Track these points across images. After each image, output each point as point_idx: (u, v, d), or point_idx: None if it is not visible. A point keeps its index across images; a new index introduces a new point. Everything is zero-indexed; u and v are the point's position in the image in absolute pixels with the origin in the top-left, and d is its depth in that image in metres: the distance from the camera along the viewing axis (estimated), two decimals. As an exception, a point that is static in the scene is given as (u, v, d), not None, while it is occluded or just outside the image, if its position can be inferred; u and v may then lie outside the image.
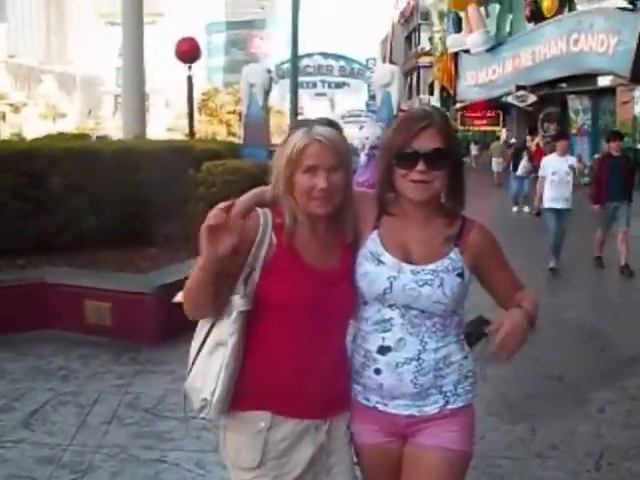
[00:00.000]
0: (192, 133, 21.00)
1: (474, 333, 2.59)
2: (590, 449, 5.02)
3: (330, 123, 2.54)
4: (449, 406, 2.59)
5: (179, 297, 2.63)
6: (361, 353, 2.61)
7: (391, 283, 2.51)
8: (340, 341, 2.68)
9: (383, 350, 2.54)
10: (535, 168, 19.93)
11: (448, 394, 2.59)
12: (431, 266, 2.52)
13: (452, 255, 2.55)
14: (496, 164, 31.91)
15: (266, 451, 2.53)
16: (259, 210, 2.53)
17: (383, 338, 2.55)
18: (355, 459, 2.75)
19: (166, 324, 6.83)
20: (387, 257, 2.55)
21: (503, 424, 5.42)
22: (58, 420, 5.35)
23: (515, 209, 21.12)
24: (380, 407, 2.61)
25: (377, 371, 2.56)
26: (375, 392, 2.60)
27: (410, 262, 2.54)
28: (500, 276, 2.67)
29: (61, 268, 7.98)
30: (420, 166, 2.46)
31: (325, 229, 2.58)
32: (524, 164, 20.97)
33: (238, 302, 2.48)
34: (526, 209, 20.01)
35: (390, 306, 2.54)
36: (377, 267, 2.54)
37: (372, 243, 2.59)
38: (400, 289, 2.50)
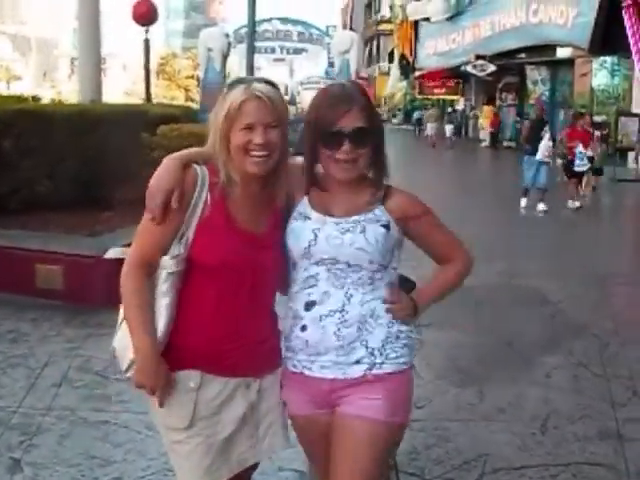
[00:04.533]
0: (149, 98, 20.71)
1: None
2: (536, 413, 5.11)
3: (268, 82, 2.53)
4: (374, 371, 2.56)
5: (111, 253, 2.61)
6: (290, 315, 2.65)
7: (315, 235, 2.55)
8: (268, 302, 2.70)
9: (309, 305, 2.58)
10: (570, 154, 15.93)
11: (375, 352, 2.57)
12: (354, 217, 2.58)
13: (376, 211, 2.59)
14: (430, 128, 39.04)
15: (196, 411, 2.54)
16: (197, 167, 2.51)
17: (309, 294, 2.59)
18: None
19: (118, 288, 6.78)
20: (313, 213, 2.60)
21: (452, 388, 5.49)
22: (7, 383, 5.32)
23: (524, 203, 15.73)
24: (306, 372, 2.61)
25: (303, 328, 2.59)
26: (302, 352, 2.61)
27: (334, 216, 2.59)
28: (429, 239, 2.72)
29: (13, 231, 7.89)
30: (345, 146, 2.50)
31: (259, 191, 2.56)
32: (547, 144, 15.69)
33: (168, 262, 2.47)
34: (541, 207, 15.28)
35: (316, 263, 2.57)
36: (303, 223, 2.59)
37: (301, 206, 2.64)
38: (324, 239, 2.55)
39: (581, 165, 15.78)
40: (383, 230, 2.56)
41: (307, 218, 2.60)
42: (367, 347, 2.57)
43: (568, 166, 16.08)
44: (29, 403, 4.97)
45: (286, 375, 2.70)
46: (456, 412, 5.10)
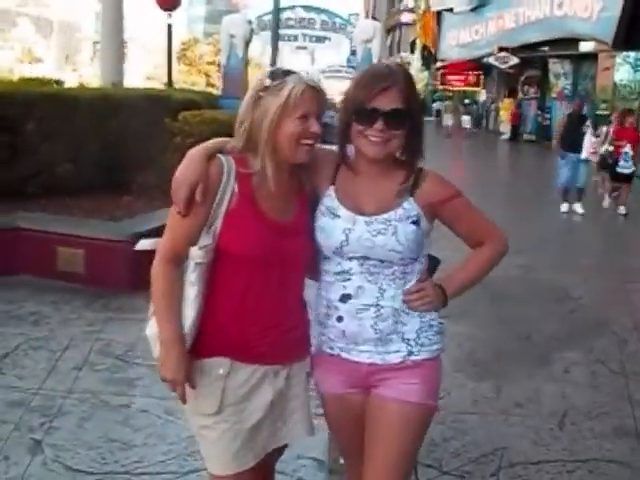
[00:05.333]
0: (170, 82, 20.75)
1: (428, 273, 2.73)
2: (554, 408, 5.11)
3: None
4: (412, 357, 2.61)
5: (141, 245, 2.62)
6: (324, 303, 2.66)
7: (347, 235, 2.55)
8: (298, 290, 2.71)
9: (344, 298, 2.59)
10: (617, 153, 14.25)
11: (411, 342, 2.61)
12: (384, 216, 2.55)
13: (406, 205, 2.56)
14: (446, 119, 40.15)
15: (225, 397, 2.56)
16: (222, 157, 2.50)
17: (344, 287, 2.59)
18: (318, 407, 2.81)
19: (138, 272, 6.78)
20: (342, 211, 2.58)
21: (469, 381, 5.50)
22: (29, 364, 5.36)
23: (565, 207, 14.23)
24: (343, 355, 2.64)
25: (339, 319, 2.60)
26: (339, 340, 2.63)
27: (364, 214, 2.57)
28: (461, 222, 2.69)
29: (34, 214, 7.91)
30: (378, 124, 2.47)
31: (287, 179, 2.57)
32: (591, 139, 14.30)
33: (196, 253, 2.48)
34: (579, 209, 14.17)
35: (349, 259, 2.58)
36: (333, 221, 2.57)
37: (328, 199, 2.62)
38: (355, 240, 2.54)
39: (625, 167, 14.20)
40: (413, 227, 2.55)
41: (336, 216, 2.57)
42: (403, 339, 2.61)
43: (612, 167, 14.48)
44: (50, 385, 5.01)
45: (322, 357, 2.71)
46: (473, 405, 5.12)
